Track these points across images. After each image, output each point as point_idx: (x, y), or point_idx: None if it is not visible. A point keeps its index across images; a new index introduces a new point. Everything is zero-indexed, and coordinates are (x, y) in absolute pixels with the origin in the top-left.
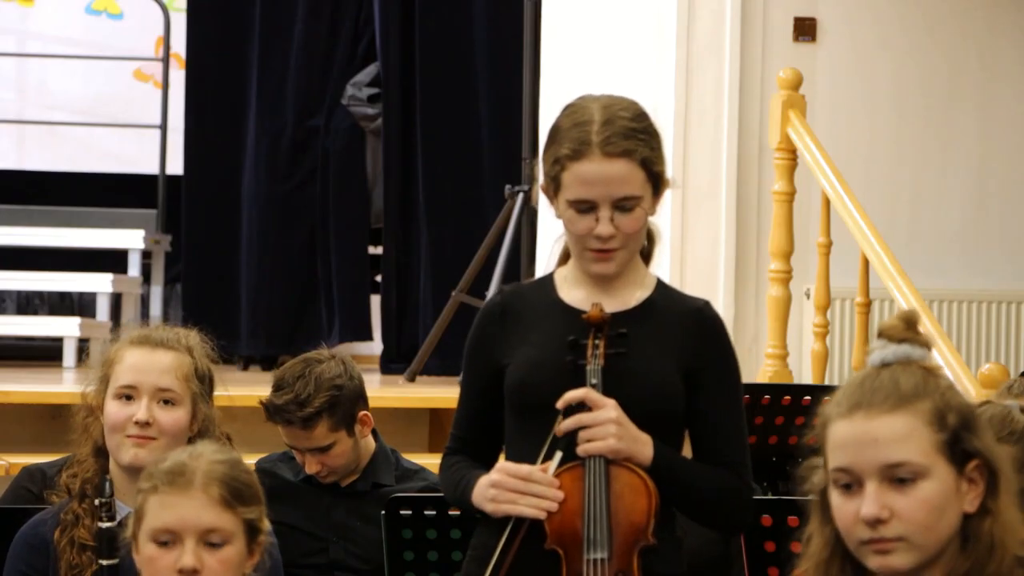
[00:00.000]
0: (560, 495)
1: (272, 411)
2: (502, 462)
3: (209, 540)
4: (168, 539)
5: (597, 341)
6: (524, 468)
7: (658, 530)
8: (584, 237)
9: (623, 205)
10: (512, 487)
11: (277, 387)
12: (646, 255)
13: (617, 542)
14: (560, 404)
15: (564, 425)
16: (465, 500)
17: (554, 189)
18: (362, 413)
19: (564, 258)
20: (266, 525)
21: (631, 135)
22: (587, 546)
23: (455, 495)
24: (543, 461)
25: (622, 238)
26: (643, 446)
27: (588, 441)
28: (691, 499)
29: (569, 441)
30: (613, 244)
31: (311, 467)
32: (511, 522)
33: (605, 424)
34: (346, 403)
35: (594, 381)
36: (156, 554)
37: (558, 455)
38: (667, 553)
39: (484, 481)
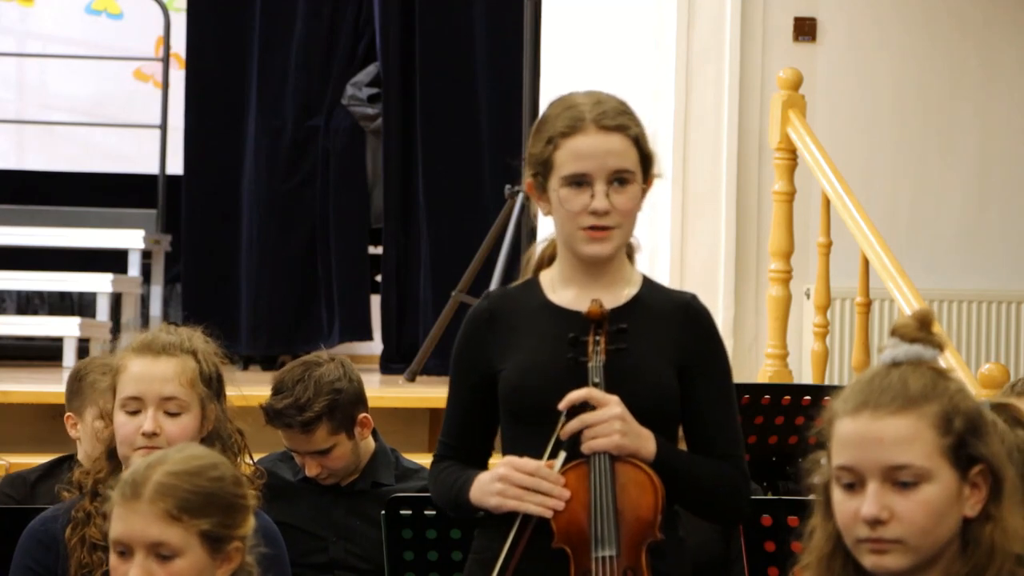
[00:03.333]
0: (566, 494)
1: (272, 415)
2: (509, 457)
3: (159, 553)
4: (123, 550)
5: (598, 337)
6: (531, 463)
7: (663, 528)
8: (579, 215)
9: (619, 178)
10: (519, 482)
11: (276, 391)
12: (628, 257)
13: (625, 539)
14: (563, 405)
15: (569, 427)
16: (461, 498)
17: (544, 174)
18: (361, 415)
19: (544, 262)
20: (243, 530)
21: (623, 113)
22: (595, 544)
23: (449, 496)
24: (547, 461)
25: (617, 216)
26: (646, 441)
27: (593, 439)
28: (693, 492)
29: (573, 440)
30: (608, 221)
31: (311, 470)
32: (518, 521)
33: (610, 421)
34: (345, 406)
35: (596, 379)
36: (115, 563)
37: (562, 455)
38: (671, 554)
39: (487, 476)
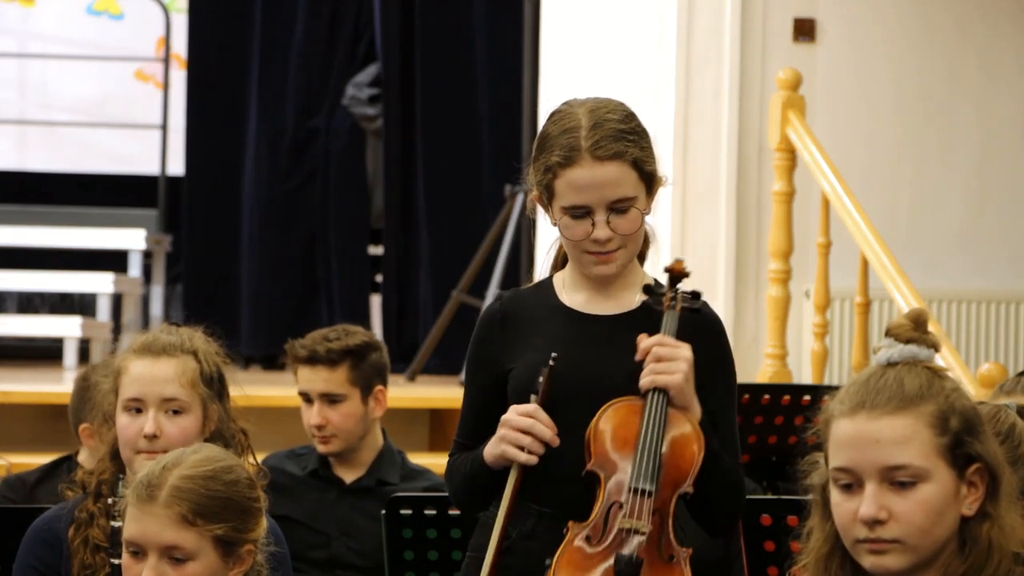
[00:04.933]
0: (555, 441)
1: (299, 347)
2: (514, 406)
3: (172, 556)
4: (136, 550)
5: (674, 293)
6: (530, 406)
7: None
8: (582, 242)
9: (618, 207)
10: (517, 425)
11: (306, 337)
12: (641, 257)
13: (663, 480)
14: (640, 352)
15: (646, 343)
16: (476, 464)
17: (547, 197)
18: (378, 387)
19: (558, 263)
20: (256, 533)
21: (620, 137)
22: (636, 475)
23: (465, 472)
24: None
25: (620, 240)
26: (697, 407)
27: (658, 374)
28: (716, 478)
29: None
30: (611, 246)
31: (316, 417)
32: (513, 468)
33: (679, 360)
34: (370, 365)
35: (671, 327)
36: (128, 563)
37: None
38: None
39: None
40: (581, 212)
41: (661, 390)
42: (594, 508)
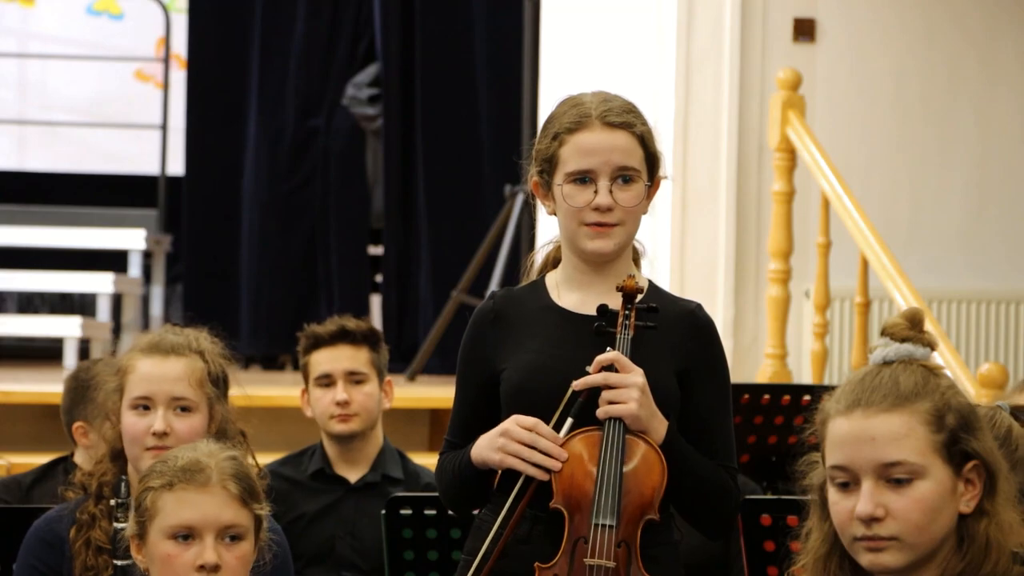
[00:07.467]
0: (564, 455)
1: (320, 329)
2: (515, 415)
3: (228, 535)
4: (186, 534)
5: (628, 311)
6: (531, 419)
7: (661, 513)
8: (582, 211)
9: (623, 175)
10: (517, 437)
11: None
12: (635, 263)
13: (625, 512)
14: (593, 368)
15: (588, 379)
16: (463, 463)
17: (549, 172)
18: (387, 379)
19: (545, 265)
20: (267, 522)
21: (629, 112)
22: (596, 511)
23: (453, 470)
24: (554, 428)
25: (620, 213)
26: (659, 424)
27: (611, 404)
28: (693, 489)
29: (581, 409)
30: (611, 219)
31: (342, 393)
32: (520, 481)
33: (630, 388)
34: (383, 354)
35: (622, 351)
36: (174, 551)
37: (569, 421)
38: (665, 557)
39: (489, 433)
40: (585, 177)
41: (616, 418)
42: (560, 546)
